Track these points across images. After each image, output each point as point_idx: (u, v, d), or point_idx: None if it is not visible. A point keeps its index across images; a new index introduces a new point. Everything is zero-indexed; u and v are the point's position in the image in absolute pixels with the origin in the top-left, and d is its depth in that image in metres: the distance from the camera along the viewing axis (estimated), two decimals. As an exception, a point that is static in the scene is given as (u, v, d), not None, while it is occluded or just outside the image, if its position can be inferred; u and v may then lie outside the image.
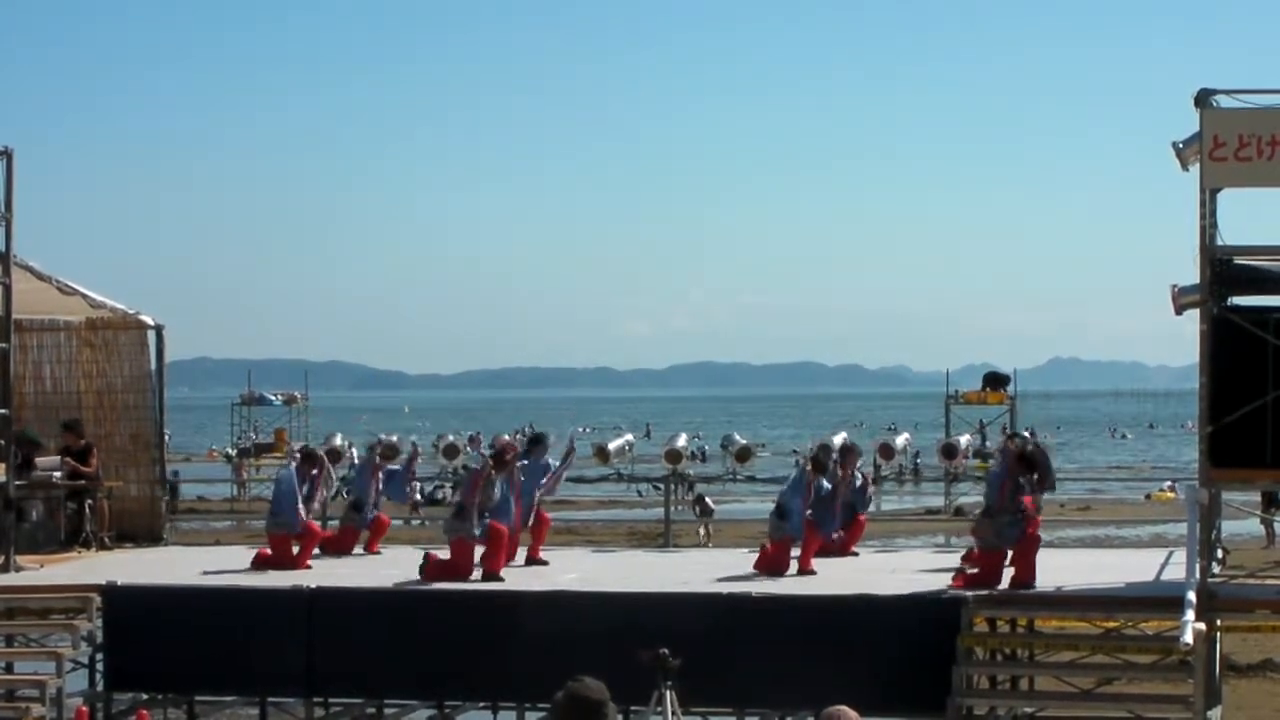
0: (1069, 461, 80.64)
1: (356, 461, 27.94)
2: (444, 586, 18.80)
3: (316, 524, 21.80)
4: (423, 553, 20.24)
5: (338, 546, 22.15)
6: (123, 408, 24.58)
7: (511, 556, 20.35)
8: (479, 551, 19.29)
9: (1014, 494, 18.14)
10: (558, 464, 21.98)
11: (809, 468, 20.48)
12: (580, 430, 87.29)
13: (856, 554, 21.89)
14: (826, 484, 20.52)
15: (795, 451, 74.86)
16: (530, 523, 21.10)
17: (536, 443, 22.13)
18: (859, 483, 22.29)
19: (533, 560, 20.94)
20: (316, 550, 21.40)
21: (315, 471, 21.72)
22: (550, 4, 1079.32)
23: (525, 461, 21.05)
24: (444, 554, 19.67)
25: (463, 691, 18.53)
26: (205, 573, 20.21)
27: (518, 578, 19.33)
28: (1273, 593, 17.59)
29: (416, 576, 19.21)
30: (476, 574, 19.09)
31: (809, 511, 19.91)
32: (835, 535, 21.11)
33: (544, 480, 21.44)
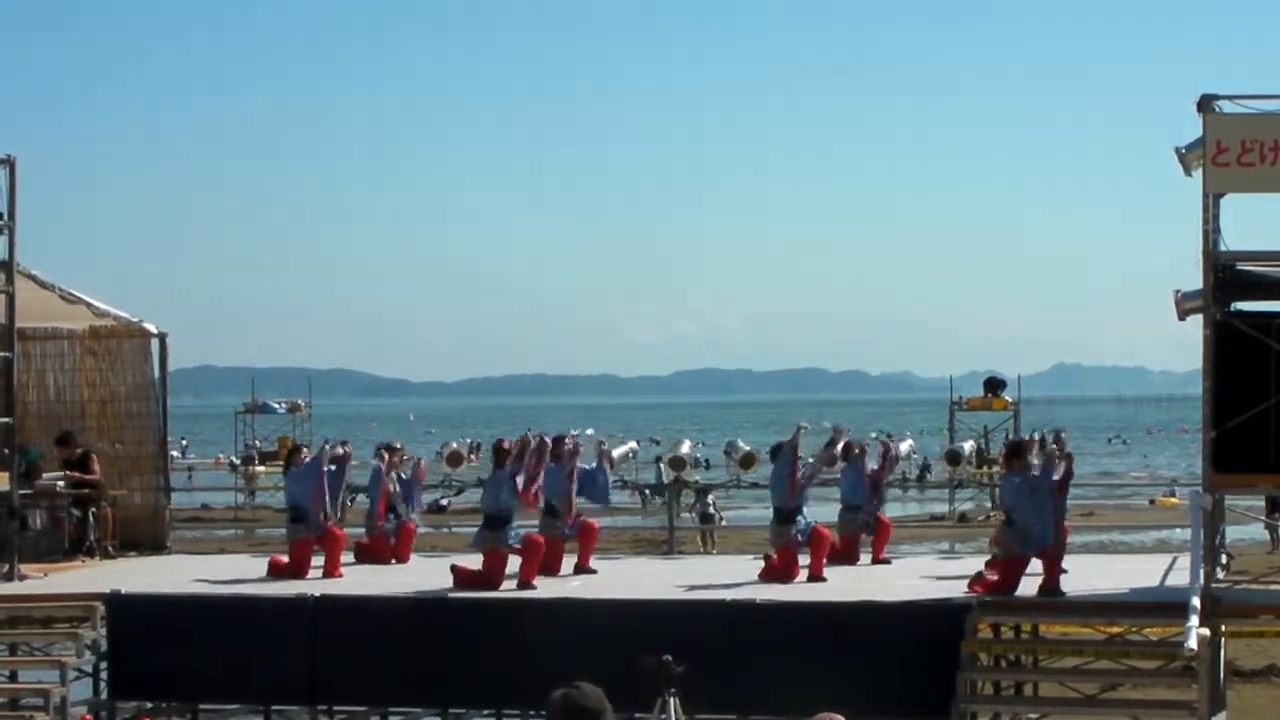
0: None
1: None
2: (445, 594, 18.82)
3: (340, 529, 21.29)
4: (449, 563, 19.96)
5: (373, 555, 21.86)
6: (126, 416, 24.57)
7: (557, 562, 20.26)
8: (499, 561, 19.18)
9: (1053, 500, 18.04)
10: (592, 468, 21.80)
11: (798, 439, 20.11)
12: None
13: (888, 561, 21.72)
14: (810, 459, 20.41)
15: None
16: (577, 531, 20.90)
17: (559, 443, 21.41)
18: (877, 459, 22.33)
19: (582, 569, 20.67)
20: (349, 558, 21.21)
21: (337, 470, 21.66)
22: (551, 3, 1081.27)
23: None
24: (462, 561, 19.62)
25: (466, 699, 18.53)
26: (209, 581, 20.22)
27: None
28: (1277, 598, 17.58)
29: (430, 584, 19.19)
30: (510, 584, 18.94)
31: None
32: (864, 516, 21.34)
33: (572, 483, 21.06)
